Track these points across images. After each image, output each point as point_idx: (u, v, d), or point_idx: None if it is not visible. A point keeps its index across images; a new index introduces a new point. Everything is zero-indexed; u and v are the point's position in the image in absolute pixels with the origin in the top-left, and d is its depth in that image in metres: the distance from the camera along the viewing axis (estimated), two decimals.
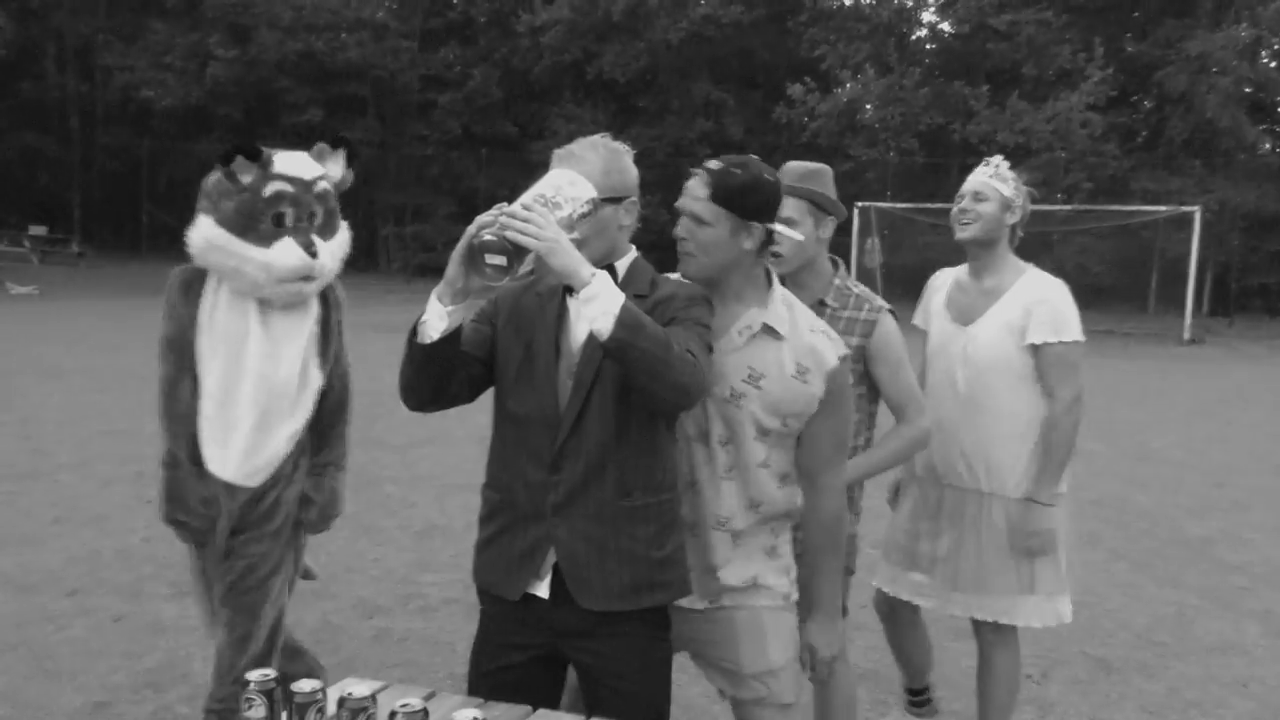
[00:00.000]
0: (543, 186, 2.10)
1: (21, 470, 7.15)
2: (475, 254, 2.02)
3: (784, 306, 2.41)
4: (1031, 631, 4.91)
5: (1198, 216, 21.03)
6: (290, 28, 28.96)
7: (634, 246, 2.35)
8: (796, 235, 2.92)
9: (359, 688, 1.97)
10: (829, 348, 2.38)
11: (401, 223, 30.48)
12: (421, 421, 9.07)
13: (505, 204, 2.05)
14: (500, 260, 1.99)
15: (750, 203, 2.30)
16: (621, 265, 2.29)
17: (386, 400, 10.36)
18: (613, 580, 2.22)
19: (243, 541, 3.08)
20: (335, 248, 3.09)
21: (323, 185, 3.04)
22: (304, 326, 3.08)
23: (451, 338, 2.12)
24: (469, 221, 2.08)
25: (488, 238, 1.99)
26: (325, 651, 4.40)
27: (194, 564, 3.17)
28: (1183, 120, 26.16)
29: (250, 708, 2.00)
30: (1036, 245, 26.01)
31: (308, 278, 2.97)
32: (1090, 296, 25.94)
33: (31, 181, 31.77)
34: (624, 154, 2.28)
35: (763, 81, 30.34)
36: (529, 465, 2.25)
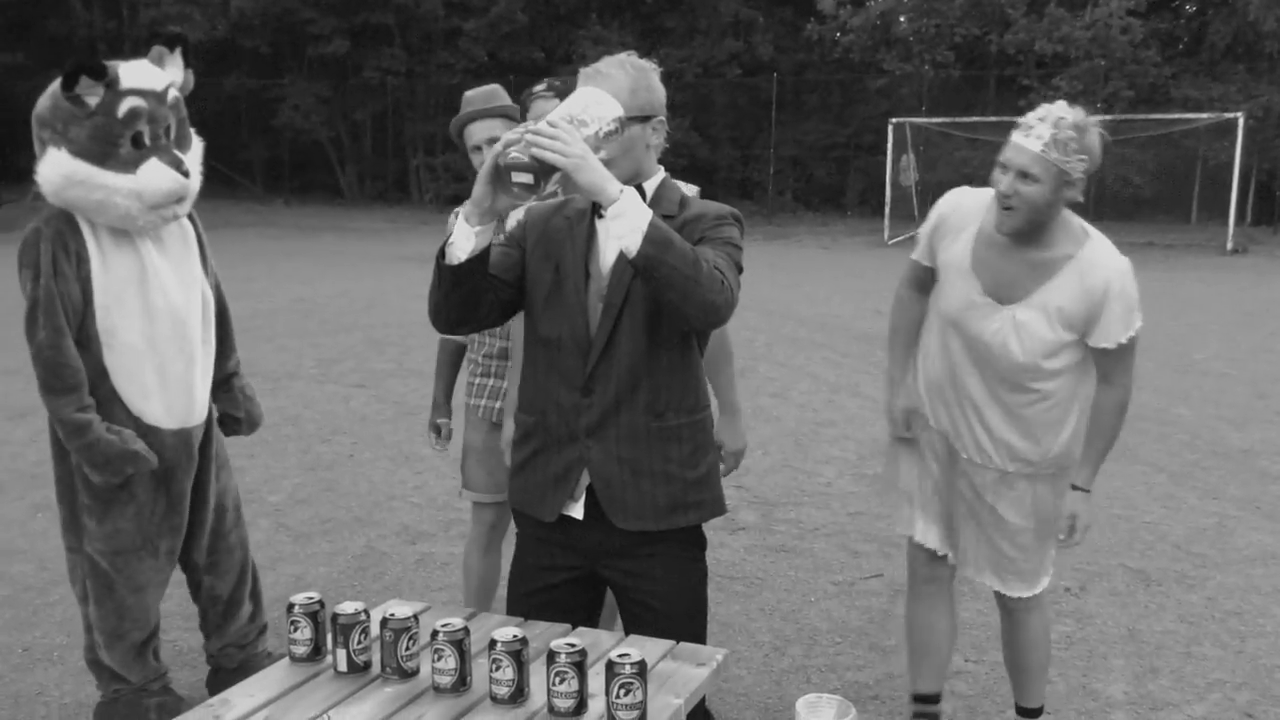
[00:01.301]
0: (569, 105, 2.08)
1: None
2: (502, 173, 2.02)
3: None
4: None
5: (1241, 123, 20.52)
6: None
7: (662, 167, 2.34)
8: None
9: (401, 609, 2.01)
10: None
11: (432, 153, 30.31)
12: None
13: (532, 122, 2.03)
14: (527, 178, 1.98)
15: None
16: (649, 185, 2.28)
17: (422, 331, 10.41)
18: (647, 500, 2.25)
19: (202, 480, 3.06)
20: (196, 159, 2.86)
21: (173, 93, 2.79)
22: (192, 246, 2.94)
23: (479, 258, 2.13)
24: None
25: (515, 156, 1.98)
26: (370, 577, 4.50)
27: (130, 531, 2.92)
28: (1225, 24, 25.37)
29: (296, 630, 2.05)
30: None
31: (180, 199, 2.76)
32: (1131, 208, 25.48)
33: None
34: (651, 72, 2.25)
35: None
36: (561, 388, 2.26)
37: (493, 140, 3.14)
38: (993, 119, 24.03)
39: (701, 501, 2.32)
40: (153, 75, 2.73)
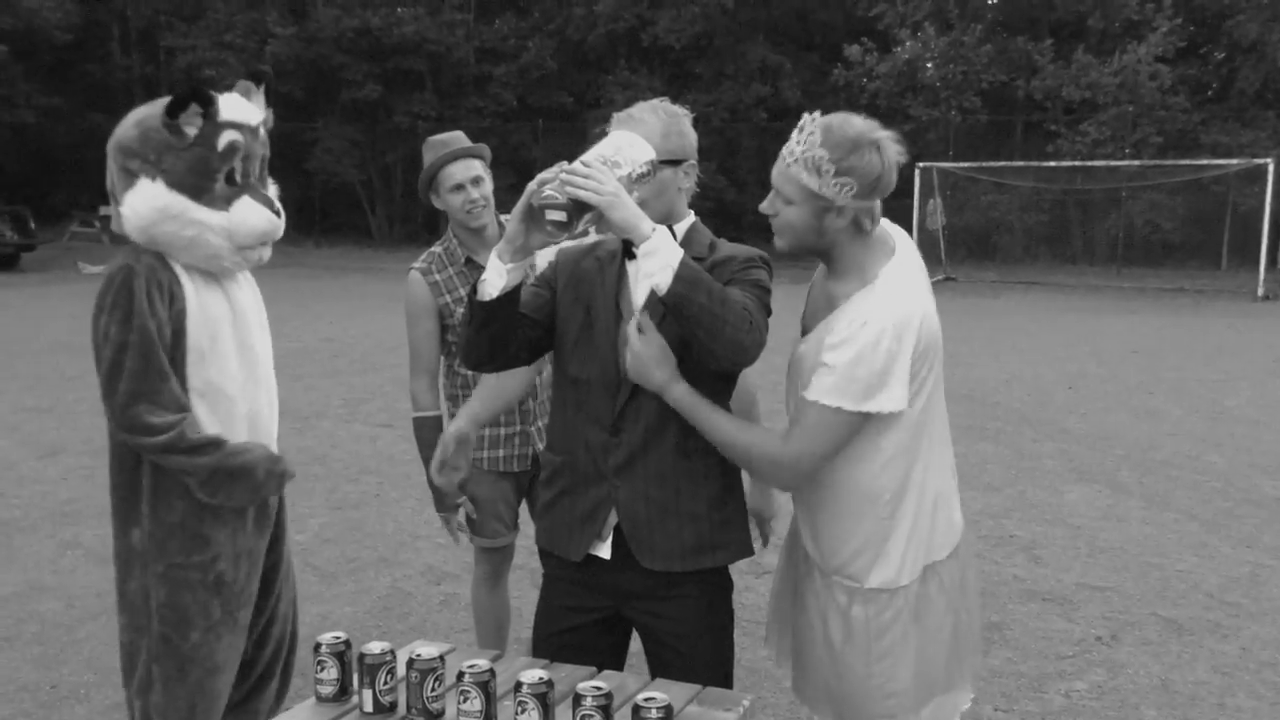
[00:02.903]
0: (603, 147, 2.11)
1: (99, 446, 7.33)
2: (536, 211, 2.05)
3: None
4: (1100, 593, 4.87)
5: (1271, 169, 20.42)
6: (346, 4, 29.10)
7: (692, 211, 2.36)
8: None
9: (427, 649, 2.01)
10: None
11: None
12: None
13: (566, 162, 2.06)
14: (560, 216, 2.01)
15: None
16: (680, 228, 2.30)
17: None
18: (674, 541, 2.24)
19: (273, 545, 2.79)
20: (276, 198, 2.68)
21: (264, 130, 2.63)
22: (256, 291, 2.77)
23: (511, 296, 2.15)
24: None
25: (549, 194, 2.01)
26: (395, 617, 4.49)
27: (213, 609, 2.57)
28: (1254, 70, 25.34)
29: (323, 669, 2.05)
30: (1105, 203, 25.51)
31: (270, 240, 2.60)
32: (1160, 254, 25.40)
33: (100, 163, 32.32)
34: (683, 118, 2.28)
35: (820, 43, 29.91)
36: (590, 428, 2.27)
37: (476, 179, 3.24)
38: (1019, 164, 24.05)
39: (728, 543, 2.31)
40: (249, 109, 2.58)
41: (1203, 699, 3.85)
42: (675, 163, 2.24)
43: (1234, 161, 22.20)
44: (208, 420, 2.51)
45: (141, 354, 2.40)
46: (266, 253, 2.63)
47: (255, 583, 2.69)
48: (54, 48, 30.18)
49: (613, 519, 2.27)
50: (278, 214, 2.58)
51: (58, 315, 14.66)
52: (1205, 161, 22.88)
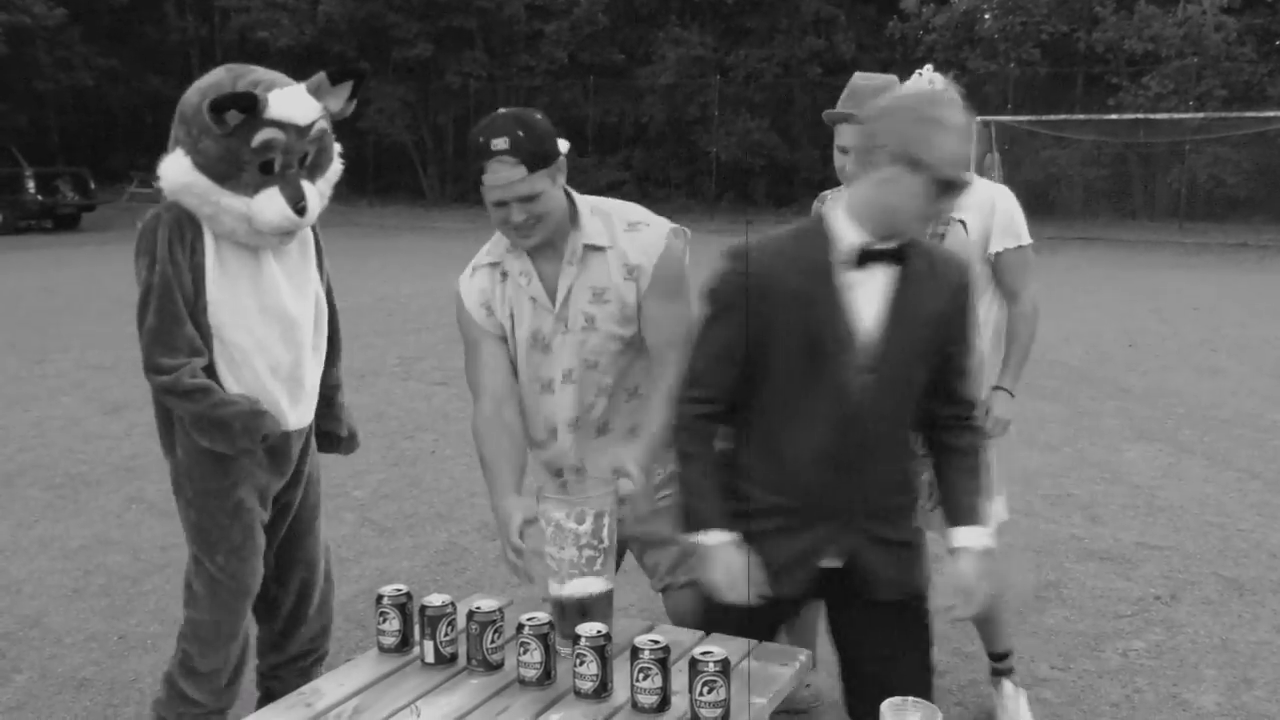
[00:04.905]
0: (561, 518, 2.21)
1: None
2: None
3: (597, 218, 2.46)
4: (1160, 553, 4.82)
5: None
6: None
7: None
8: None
9: (487, 602, 2.04)
10: (650, 235, 2.44)
11: None
12: None
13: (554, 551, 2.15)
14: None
15: (550, 148, 2.33)
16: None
17: None
18: (892, 572, 2.38)
19: (289, 489, 2.86)
20: (325, 187, 2.72)
21: (319, 127, 2.62)
22: (309, 251, 2.80)
23: None
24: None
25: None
26: (452, 572, 4.56)
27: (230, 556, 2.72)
28: None
29: (385, 621, 2.09)
30: (1168, 157, 24.91)
31: (288, 233, 2.62)
32: (1224, 208, 24.79)
33: (157, 124, 32.84)
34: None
35: None
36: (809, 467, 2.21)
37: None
38: (1080, 117, 23.55)
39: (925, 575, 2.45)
40: (302, 107, 2.57)
41: (1264, 659, 3.81)
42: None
43: None
44: (226, 370, 2.62)
45: (161, 297, 2.53)
46: (289, 242, 2.69)
47: (266, 514, 2.81)
48: (111, 10, 30.50)
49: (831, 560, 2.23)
50: (301, 212, 2.58)
51: (118, 274, 14.90)
52: (1272, 114, 22.26)
